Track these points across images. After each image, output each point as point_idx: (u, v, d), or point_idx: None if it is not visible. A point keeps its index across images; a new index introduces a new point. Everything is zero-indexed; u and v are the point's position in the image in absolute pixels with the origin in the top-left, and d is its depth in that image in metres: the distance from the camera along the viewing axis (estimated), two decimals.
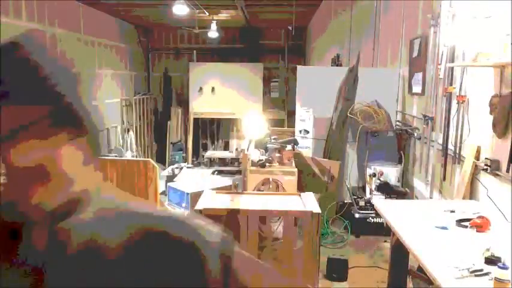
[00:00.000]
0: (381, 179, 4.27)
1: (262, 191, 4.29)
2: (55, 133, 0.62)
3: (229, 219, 3.55)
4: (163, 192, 7.24)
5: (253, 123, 4.99)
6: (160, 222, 0.65)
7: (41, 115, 0.60)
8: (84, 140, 0.66)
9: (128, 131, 9.74)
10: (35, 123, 0.60)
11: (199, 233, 0.66)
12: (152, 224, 0.64)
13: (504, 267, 1.73)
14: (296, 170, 4.42)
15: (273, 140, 4.98)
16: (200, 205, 3.13)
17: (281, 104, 10.94)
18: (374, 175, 4.33)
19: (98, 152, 0.70)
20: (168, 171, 9.07)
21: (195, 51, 11.19)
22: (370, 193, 4.41)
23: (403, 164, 4.37)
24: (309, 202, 3.03)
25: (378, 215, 3.94)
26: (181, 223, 0.67)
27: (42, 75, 0.61)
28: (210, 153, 10.52)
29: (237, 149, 10.12)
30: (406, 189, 4.24)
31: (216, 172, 8.33)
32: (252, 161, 4.47)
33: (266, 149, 4.79)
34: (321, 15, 8.88)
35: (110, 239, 0.61)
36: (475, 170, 2.90)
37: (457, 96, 3.14)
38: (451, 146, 3.26)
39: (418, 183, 4.03)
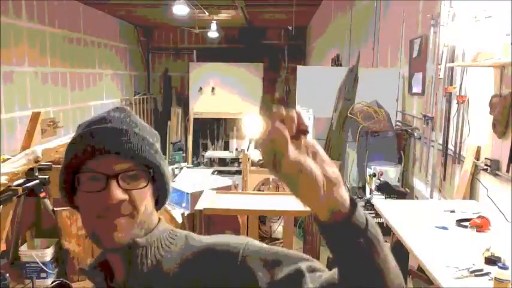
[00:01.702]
0: (381, 179, 4.26)
1: (262, 191, 4.29)
2: (138, 179, 0.83)
3: (229, 219, 3.55)
4: None
5: (253, 123, 4.99)
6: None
7: (130, 166, 0.82)
8: (152, 187, 0.87)
9: None
10: (126, 170, 0.82)
11: None
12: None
13: (504, 267, 1.73)
14: None
15: None
16: (200, 205, 3.13)
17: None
18: (374, 175, 4.33)
19: (163, 199, 0.91)
20: None
21: (195, 51, 11.19)
22: (370, 193, 4.40)
23: (403, 164, 4.36)
24: None
25: (378, 215, 3.93)
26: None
27: (132, 139, 0.84)
28: (210, 153, 10.52)
29: (237, 149, 10.12)
30: (406, 189, 4.24)
31: (216, 172, 8.33)
32: (252, 161, 4.47)
33: None
34: (321, 15, 8.88)
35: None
36: (475, 170, 2.90)
37: (457, 96, 3.14)
38: (451, 146, 3.26)
39: (418, 183, 4.03)
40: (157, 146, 0.89)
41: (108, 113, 0.87)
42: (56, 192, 3.78)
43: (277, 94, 10.72)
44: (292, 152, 0.60)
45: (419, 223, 2.41)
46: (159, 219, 0.90)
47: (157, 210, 0.90)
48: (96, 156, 0.81)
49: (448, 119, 3.30)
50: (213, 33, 9.60)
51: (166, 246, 0.86)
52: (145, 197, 0.84)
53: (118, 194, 0.79)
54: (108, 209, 0.79)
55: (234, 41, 11.14)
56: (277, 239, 4.25)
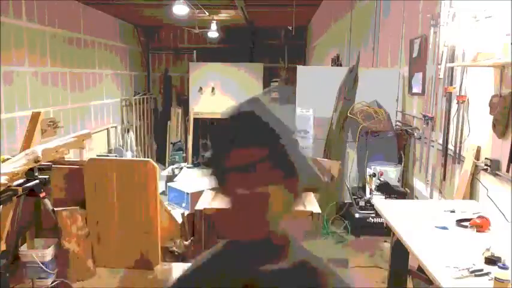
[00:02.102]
0: (381, 179, 4.26)
1: None
2: (272, 171, 0.76)
3: None
4: (163, 192, 7.24)
5: None
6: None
7: (264, 156, 0.76)
8: (293, 182, 0.79)
9: (128, 131, 9.74)
10: (261, 162, 0.76)
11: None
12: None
13: (504, 267, 1.74)
14: None
15: None
16: (200, 205, 3.13)
17: None
18: (374, 175, 4.33)
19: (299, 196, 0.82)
20: (168, 171, 9.06)
21: (195, 51, 11.18)
22: (370, 193, 4.41)
23: (403, 164, 4.36)
24: (309, 202, 3.03)
25: (378, 215, 3.94)
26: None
27: (270, 130, 0.78)
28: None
29: None
30: (406, 189, 4.24)
31: None
32: None
33: None
34: (321, 15, 8.88)
35: None
36: (475, 170, 2.90)
37: (457, 96, 3.14)
38: (451, 146, 3.26)
39: (418, 183, 4.02)
40: None
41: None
42: (56, 192, 3.77)
43: None
44: None
45: (419, 223, 2.41)
46: None
47: None
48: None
49: (448, 119, 3.30)
50: (213, 33, 9.60)
51: None
52: None
53: None
54: None
55: (234, 41, 11.13)
56: None
